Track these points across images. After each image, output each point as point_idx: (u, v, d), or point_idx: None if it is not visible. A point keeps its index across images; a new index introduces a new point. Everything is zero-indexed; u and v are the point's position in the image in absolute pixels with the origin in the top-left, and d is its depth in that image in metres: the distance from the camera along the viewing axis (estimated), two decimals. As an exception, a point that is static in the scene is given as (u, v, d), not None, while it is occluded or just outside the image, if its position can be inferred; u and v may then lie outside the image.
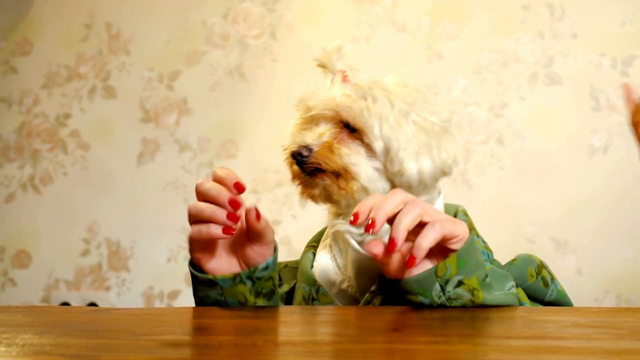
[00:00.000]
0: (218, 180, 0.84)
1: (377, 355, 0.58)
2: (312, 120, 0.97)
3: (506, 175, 2.14)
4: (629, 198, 2.08)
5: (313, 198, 0.97)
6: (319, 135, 0.93)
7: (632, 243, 2.06)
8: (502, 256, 2.14)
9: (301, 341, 0.66)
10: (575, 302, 2.12)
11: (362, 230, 0.94)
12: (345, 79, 0.99)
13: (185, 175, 2.31)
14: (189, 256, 2.35)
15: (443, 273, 0.78)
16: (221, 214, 0.81)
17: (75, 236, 2.35)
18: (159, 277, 2.28)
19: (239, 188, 0.83)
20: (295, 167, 0.95)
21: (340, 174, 0.93)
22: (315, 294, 0.95)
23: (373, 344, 0.63)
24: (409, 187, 0.96)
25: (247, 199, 2.35)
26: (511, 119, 2.15)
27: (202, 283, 0.85)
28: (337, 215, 0.98)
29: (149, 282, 2.28)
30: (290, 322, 0.77)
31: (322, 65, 1.00)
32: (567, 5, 2.14)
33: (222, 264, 0.86)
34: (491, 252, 1.02)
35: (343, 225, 0.96)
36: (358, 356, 0.57)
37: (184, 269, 2.26)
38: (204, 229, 0.82)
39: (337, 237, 0.98)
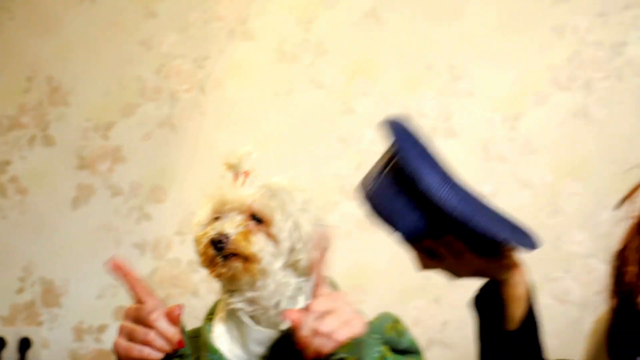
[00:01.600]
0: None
1: None
2: (222, 212, 1.17)
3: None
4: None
5: (220, 276, 1.15)
6: (236, 226, 1.13)
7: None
8: (403, 289, 2.36)
9: None
10: (464, 332, 2.31)
11: (253, 307, 1.17)
12: (246, 177, 1.19)
13: (117, 218, 2.47)
14: (117, 293, 2.46)
15: (336, 349, 1.03)
16: (161, 343, 1.04)
17: (11, 275, 2.47)
18: (89, 313, 2.41)
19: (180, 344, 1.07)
20: (211, 252, 1.13)
21: (249, 259, 1.13)
22: None
23: None
24: (304, 270, 1.21)
25: (174, 241, 2.50)
26: (416, 167, 2.37)
27: None
28: (231, 291, 1.18)
29: (79, 317, 2.41)
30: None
31: (231, 167, 1.20)
32: (465, 67, 2.39)
33: None
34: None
35: (237, 304, 1.16)
36: None
37: (112, 305, 2.40)
38: (146, 350, 1.04)
39: (232, 313, 1.18)
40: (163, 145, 2.49)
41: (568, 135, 2.33)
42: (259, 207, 1.15)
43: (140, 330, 1.04)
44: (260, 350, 1.16)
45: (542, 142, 2.34)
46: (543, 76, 2.35)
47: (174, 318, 1.05)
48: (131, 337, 1.05)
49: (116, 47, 2.53)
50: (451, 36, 2.40)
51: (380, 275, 2.34)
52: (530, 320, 1.33)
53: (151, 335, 1.04)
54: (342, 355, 1.03)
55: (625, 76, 2.30)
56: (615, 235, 1.64)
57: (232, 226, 1.13)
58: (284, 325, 1.15)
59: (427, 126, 2.38)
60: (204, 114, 2.49)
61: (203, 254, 1.15)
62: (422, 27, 2.41)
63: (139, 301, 1.07)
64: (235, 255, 1.13)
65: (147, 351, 1.03)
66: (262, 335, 1.16)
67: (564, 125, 2.33)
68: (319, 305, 1.04)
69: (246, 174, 1.18)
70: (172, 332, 1.05)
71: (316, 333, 1.02)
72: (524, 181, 2.33)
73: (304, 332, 1.02)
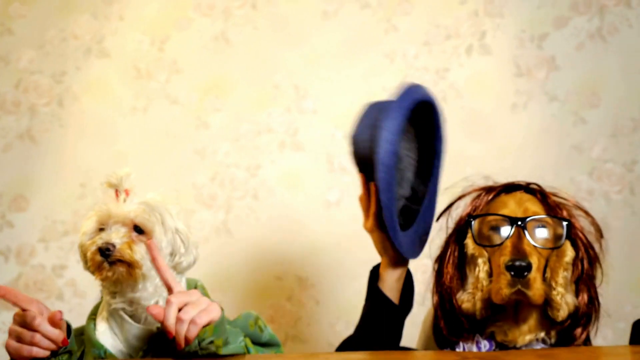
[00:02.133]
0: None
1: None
2: (106, 224, 1.38)
3: (261, 225, 2.59)
4: (357, 243, 2.58)
5: (106, 280, 1.37)
6: (121, 237, 1.35)
7: (357, 279, 2.56)
8: (259, 290, 2.62)
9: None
10: (314, 327, 2.60)
11: (133, 307, 1.39)
12: (127, 195, 1.41)
13: (-21, 226, 2.58)
14: None
15: (202, 334, 1.25)
16: (47, 343, 1.25)
17: None
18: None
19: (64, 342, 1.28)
20: (99, 258, 1.34)
21: (132, 265, 1.35)
22: (104, 354, 1.37)
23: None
24: (186, 269, 1.46)
25: (38, 247, 2.62)
26: (264, 178, 2.59)
27: None
28: (113, 292, 1.40)
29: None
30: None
31: (112, 186, 1.40)
32: (309, 87, 2.61)
33: None
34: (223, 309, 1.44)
35: (118, 304, 1.39)
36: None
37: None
38: (35, 350, 1.25)
39: (114, 312, 1.40)
40: (24, 156, 2.59)
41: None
42: (141, 220, 1.38)
43: (26, 333, 1.25)
44: (140, 344, 1.38)
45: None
46: (378, 96, 2.57)
47: (55, 322, 1.27)
48: (20, 339, 1.25)
49: (-28, 63, 2.60)
50: (296, 59, 2.61)
51: (237, 277, 2.57)
52: (404, 301, 1.69)
53: (37, 338, 1.25)
54: (211, 339, 1.25)
55: (448, 97, 2.59)
56: (440, 240, 1.94)
57: (118, 237, 1.35)
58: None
59: (276, 140, 2.61)
60: (64, 127, 2.60)
61: (91, 259, 1.36)
62: (269, 50, 2.61)
63: (23, 310, 1.27)
64: (120, 261, 1.35)
65: (35, 350, 1.25)
66: (142, 332, 1.38)
67: (397, 140, 2.61)
68: (177, 298, 1.26)
69: (127, 192, 1.40)
70: (55, 333, 1.26)
71: (179, 320, 1.23)
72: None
73: (168, 322, 1.24)
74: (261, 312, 2.50)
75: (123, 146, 2.60)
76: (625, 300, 2.51)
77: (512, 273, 1.48)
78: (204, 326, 1.25)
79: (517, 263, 1.48)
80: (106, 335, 1.40)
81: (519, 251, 1.50)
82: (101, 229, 1.39)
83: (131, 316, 1.39)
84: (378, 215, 1.64)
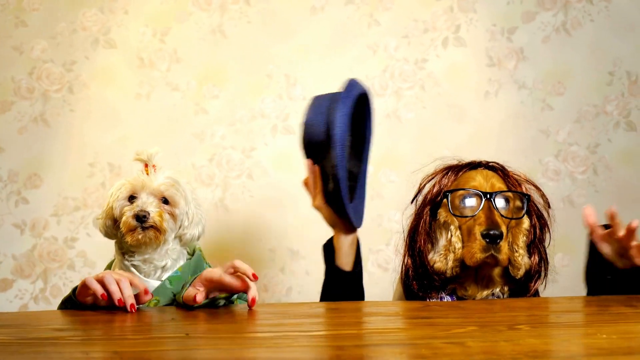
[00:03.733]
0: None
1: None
2: (138, 193, 1.63)
3: (255, 202, 2.83)
4: (342, 218, 2.83)
5: (136, 241, 1.62)
6: (154, 206, 1.61)
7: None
8: (254, 261, 2.85)
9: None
10: (305, 295, 2.85)
11: (147, 265, 1.67)
12: (155, 170, 1.66)
13: (-3, 202, 2.81)
14: (9, 266, 2.80)
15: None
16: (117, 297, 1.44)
17: None
18: (-26, 288, 2.77)
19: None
20: (134, 222, 1.61)
21: (160, 230, 1.61)
22: None
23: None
24: (190, 241, 1.72)
25: (50, 221, 2.87)
26: (258, 159, 2.84)
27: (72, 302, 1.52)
28: (131, 252, 1.66)
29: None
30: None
31: (142, 161, 1.66)
32: (298, 76, 2.85)
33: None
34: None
35: (134, 261, 1.66)
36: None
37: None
38: (98, 286, 1.44)
39: (127, 269, 1.66)
40: (37, 138, 2.82)
41: (384, 133, 2.85)
42: (170, 194, 1.66)
43: (113, 283, 1.44)
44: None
45: (363, 139, 2.85)
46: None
47: (137, 287, 1.48)
48: (101, 282, 1.44)
49: (-10, 52, 2.83)
50: (286, 50, 2.85)
51: (234, 250, 2.82)
52: (357, 265, 1.91)
53: (118, 286, 1.44)
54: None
55: (426, 86, 2.83)
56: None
57: (152, 206, 1.63)
58: (164, 277, 1.66)
59: (269, 124, 2.84)
60: (74, 111, 2.83)
61: (126, 223, 1.63)
62: (262, 42, 2.84)
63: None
64: (152, 227, 1.62)
65: (98, 287, 1.43)
66: (150, 285, 1.63)
67: (381, 125, 2.84)
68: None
69: (154, 167, 1.65)
70: (128, 293, 1.44)
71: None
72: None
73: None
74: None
75: (128, 129, 2.83)
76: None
77: (488, 240, 1.71)
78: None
79: (492, 232, 1.71)
80: None
81: (492, 222, 1.73)
82: (131, 197, 1.64)
83: (141, 272, 1.65)
84: (325, 193, 1.85)
